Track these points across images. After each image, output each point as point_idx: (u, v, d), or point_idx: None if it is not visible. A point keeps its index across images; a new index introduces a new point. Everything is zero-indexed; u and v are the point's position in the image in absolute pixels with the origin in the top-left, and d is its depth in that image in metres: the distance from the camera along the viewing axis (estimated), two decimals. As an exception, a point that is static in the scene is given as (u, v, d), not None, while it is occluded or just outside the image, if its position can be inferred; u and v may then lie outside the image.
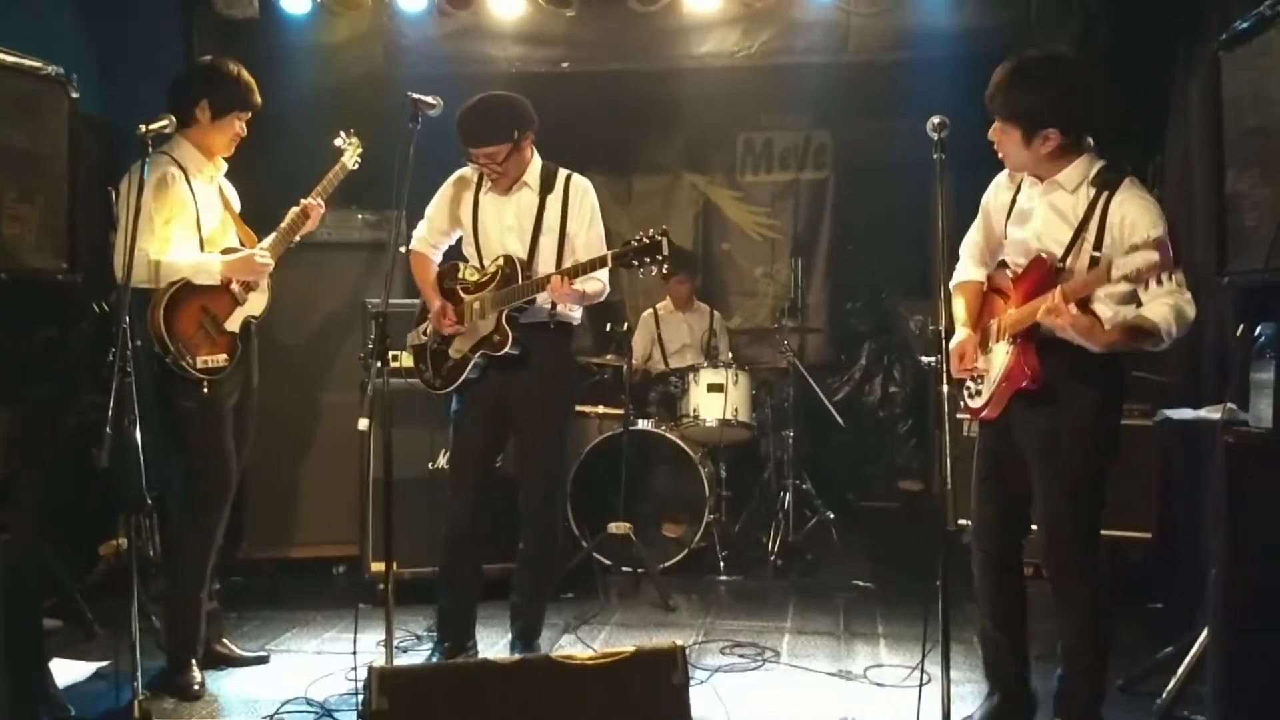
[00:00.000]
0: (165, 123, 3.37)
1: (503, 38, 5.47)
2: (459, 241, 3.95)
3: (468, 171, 3.87)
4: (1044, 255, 3.04)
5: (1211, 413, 3.30)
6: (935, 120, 2.96)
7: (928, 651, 3.22)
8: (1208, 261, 4.00)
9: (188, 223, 3.70)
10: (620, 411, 5.57)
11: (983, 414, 3.20)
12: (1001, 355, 3.11)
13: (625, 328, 5.99)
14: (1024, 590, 3.29)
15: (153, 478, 3.53)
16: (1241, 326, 3.27)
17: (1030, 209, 3.11)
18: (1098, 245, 2.96)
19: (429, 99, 3.43)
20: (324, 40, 5.46)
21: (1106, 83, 5.03)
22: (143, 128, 3.31)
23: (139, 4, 5.14)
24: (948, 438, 2.69)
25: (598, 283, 3.80)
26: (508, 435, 3.93)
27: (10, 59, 3.86)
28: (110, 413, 3.08)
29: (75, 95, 4.15)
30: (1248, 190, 3.46)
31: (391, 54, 5.44)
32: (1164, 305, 2.87)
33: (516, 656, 3.73)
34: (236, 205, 3.95)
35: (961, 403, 3.29)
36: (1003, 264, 3.27)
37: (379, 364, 3.26)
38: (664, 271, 3.56)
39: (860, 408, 7.48)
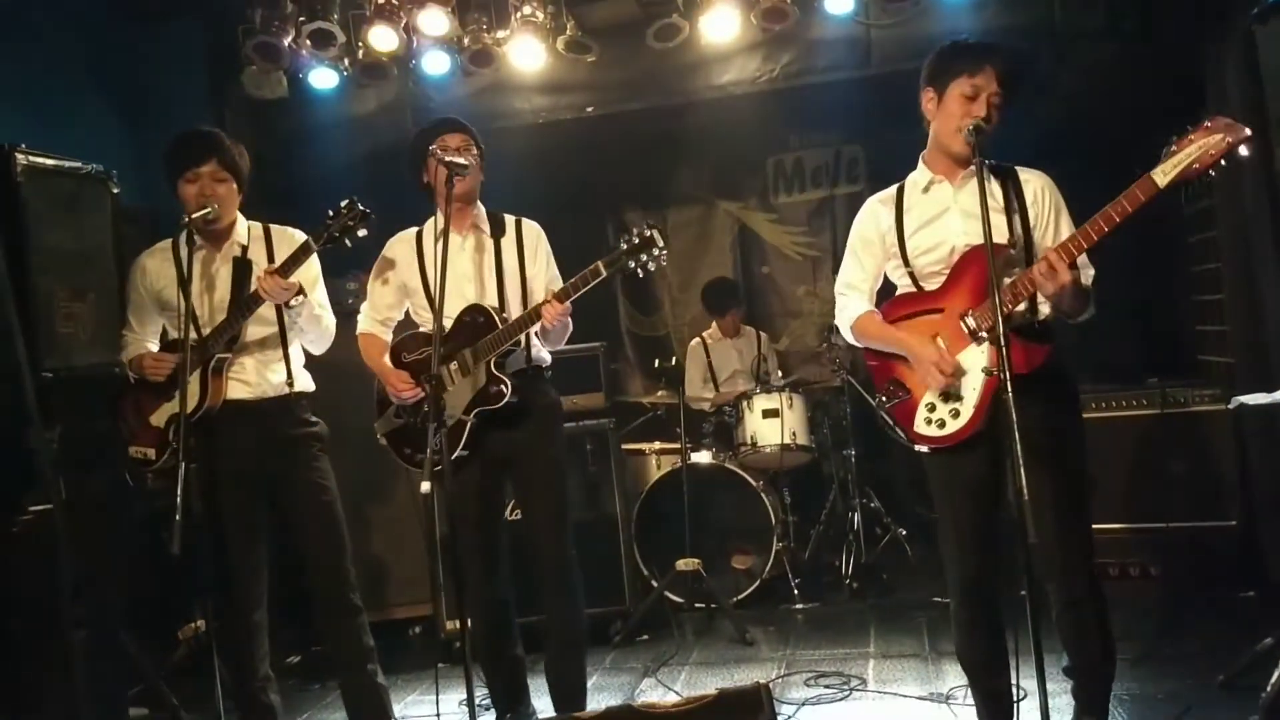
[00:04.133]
0: (209, 210, 3.41)
1: (526, 89, 5.52)
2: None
3: (406, 233, 3.71)
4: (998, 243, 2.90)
5: (1287, 395, 3.21)
6: (970, 127, 2.89)
7: (1019, 666, 3.14)
8: (1264, 241, 3.92)
9: (165, 305, 3.61)
10: (677, 446, 5.54)
11: (963, 433, 2.95)
12: (977, 358, 2.94)
13: (674, 363, 5.98)
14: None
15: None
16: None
17: (943, 210, 3.02)
18: (1024, 225, 2.96)
19: (460, 160, 3.44)
20: (353, 112, 5.56)
21: (1138, 72, 5.02)
22: (185, 219, 3.38)
23: (172, 93, 5.28)
24: (1018, 446, 2.60)
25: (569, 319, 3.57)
26: (506, 492, 3.75)
27: (51, 162, 3.98)
28: (179, 499, 3.11)
29: (116, 190, 4.26)
30: (1299, 164, 3.39)
31: (420, 119, 5.51)
32: (1089, 270, 2.94)
33: (600, 709, 3.68)
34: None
35: (921, 445, 3.05)
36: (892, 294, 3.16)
37: (434, 425, 3.25)
38: (663, 262, 3.37)
39: (919, 417, 7.37)
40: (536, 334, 3.57)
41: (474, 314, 3.52)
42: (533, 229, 3.70)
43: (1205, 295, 5.43)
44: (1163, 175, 2.65)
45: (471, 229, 3.64)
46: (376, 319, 3.77)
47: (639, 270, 3.36)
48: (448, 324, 3.52)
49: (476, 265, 3.62)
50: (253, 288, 3.49)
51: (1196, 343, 5.69)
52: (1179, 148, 2.65)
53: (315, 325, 3.63)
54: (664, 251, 3.34)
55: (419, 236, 3.69)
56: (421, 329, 3.69)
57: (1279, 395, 3.38)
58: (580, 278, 3.39)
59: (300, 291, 3.46)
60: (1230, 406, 3.94)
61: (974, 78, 2.93)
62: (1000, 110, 2.94)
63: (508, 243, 3.64)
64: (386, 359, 3.71)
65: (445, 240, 3.31)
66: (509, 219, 3.69)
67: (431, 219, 3.68)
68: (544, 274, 3.66)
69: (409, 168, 3.64)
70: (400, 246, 3.71)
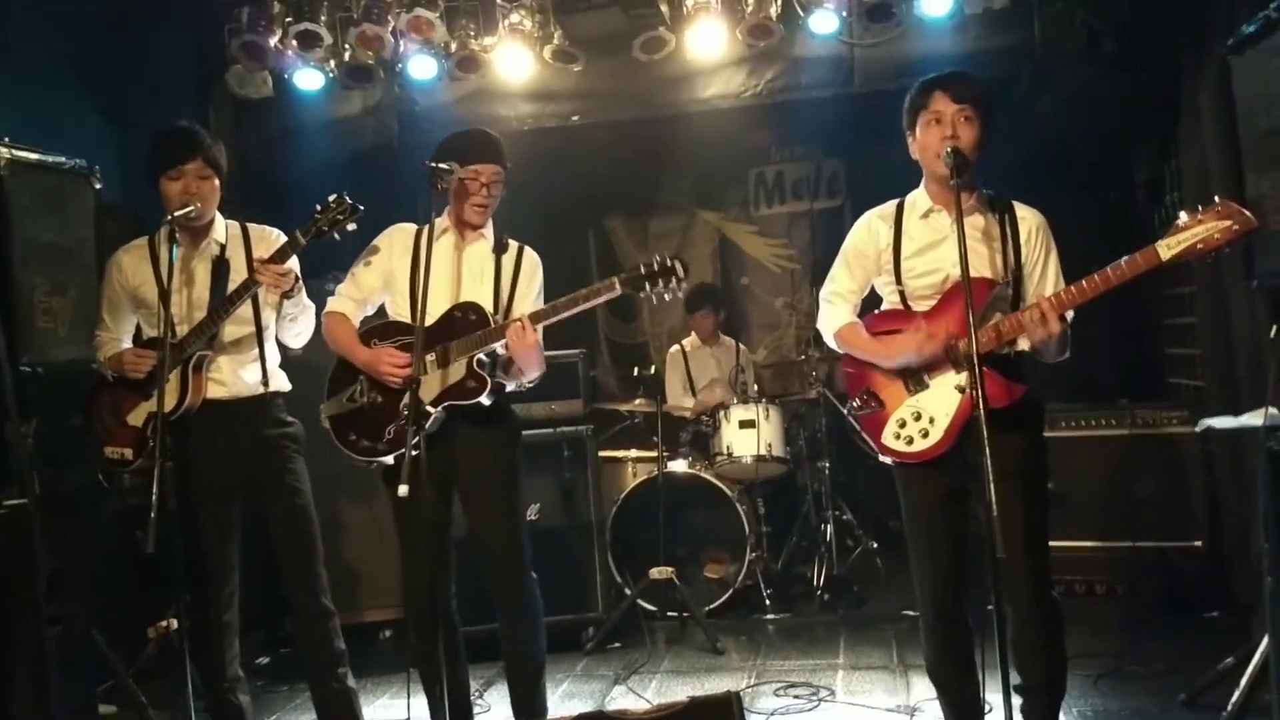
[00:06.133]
0: (191, 209, 3.40)
1: (512, 97, 5.54)
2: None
3: (407, 225, 3.60)
4: (985, 277, 2.98)
5: (1253, 419, 3.26)
6: (947, 149, 2.92)
7: (985, 681, 3.18)
8: (1234, 266, 3.99)
9: (140, 303, 3.59)
10: (653, 454, 5.56)
11: (930, 453, 3.02)
12: (950, 386, 3.01)
13: (653, 371, 6.00)
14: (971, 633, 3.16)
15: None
16: (1275, 328, 3.24)
17: (943, 238, 3.04)
18: (1018, 263, 3.00)
19: (445, 165, 3.44)
20: (339, 114, 5.56)
21: (1115, 95, 5.11)
22: (168, 216, 3.36)
23: (155, 90, 5.26)
24: (989, 460, 2.64)
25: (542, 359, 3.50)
26: (455, 502, 3.58)
27: (34, 156, 3.98)
28: (154, 497, 3.10)
29: (98, 186, 4.25)
30: (1269, 192, 3.46)
31: (405, 122, 5.52)
32: (1069, 313, 2.93)
33: (571, 716, 3.68)
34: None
35: (886, 456, 3.12)
36: (877, 311, 3.22)
37: (412, 428, 3.25)
38: (679, 295, 3.37)
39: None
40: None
41: (465, 310, 3.45)
42: (533, 258, 3.64)
43: (1177, 319, 5.51)
44: (1167, 249, 2.72)
45: (477, 238, 3.58)
46: (355, 298, 3.62)
47: (654, 296, 3.36)
48: (429, 321, 3.43)
49: (473, 268, 3.55)
50: (233, 285, 3.47)
51: (1167, 365, 5.78)
52: (1187, 225, 2.71)
53: (307, 315, 3.63)
54: (683, 284, 3.33)
55: (418, 234, 3.54)
56: (398, 319, 3.57)
57: (1245, 419, 3.44)
58: (569, 300, 3.37)
59: (298, 278, 3.46)
60: (1197, 430, 4.01)
61: (929, 108, 3.01)
62: (975, 126, 2.97)
63: (507, 259, 3.58)
64: (355, 339, 3.57)
65: (430, 241, 3.31)
66: (513, 244, 3.63)
67: (437, 220, 3.53)
68: (531, 304, 3.55)
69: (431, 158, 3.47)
70: (399, 236, 3.60)
